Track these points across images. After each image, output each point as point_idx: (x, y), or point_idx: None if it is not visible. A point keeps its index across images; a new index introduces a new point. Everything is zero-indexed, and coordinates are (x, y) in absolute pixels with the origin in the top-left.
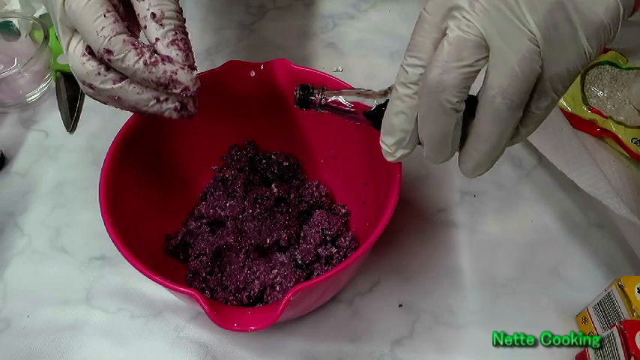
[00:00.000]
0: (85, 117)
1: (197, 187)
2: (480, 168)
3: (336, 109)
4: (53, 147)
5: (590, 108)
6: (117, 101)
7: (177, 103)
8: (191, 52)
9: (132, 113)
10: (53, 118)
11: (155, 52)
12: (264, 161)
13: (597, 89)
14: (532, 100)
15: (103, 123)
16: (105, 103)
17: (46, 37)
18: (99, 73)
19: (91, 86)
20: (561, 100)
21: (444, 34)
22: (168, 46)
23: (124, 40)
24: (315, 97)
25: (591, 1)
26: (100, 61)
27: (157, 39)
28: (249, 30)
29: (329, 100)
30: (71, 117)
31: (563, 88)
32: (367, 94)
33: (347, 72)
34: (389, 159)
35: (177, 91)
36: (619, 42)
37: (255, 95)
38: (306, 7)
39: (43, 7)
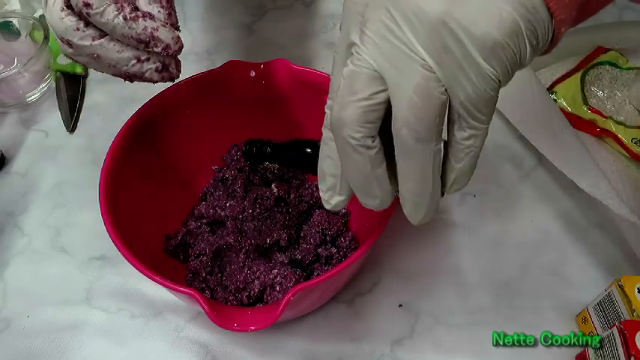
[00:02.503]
0: (85, 117)
1: (197, 187)
2: (419, 211)
3: (280, 159)
4: (53, 147)
5: (590, 108)
6: (97, 60)
7: (158, 64)
8: (174, 10)
9: (131, 113)
10: (53, 118)
11: (136, 8)
12: None
13: (597, 89)
14: (454, 130)
15: (103, 123)
16: (86, 65)
17: (46, 37)
18: (77, 29)
19: (69, 43)
20: (561, 100)
21: None
22: (150, 2)
23: None
24: (262, 149)
25: (479, 18)
26: (79, 16)
27: None
28: (249, 30)
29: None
30: (71, 117)
31: (482, 115)
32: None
33: None
34: (326, 207)
35: (159, 49)
36: (619, 42)
37: (255, 95)
38: (306, 7)
39: None
